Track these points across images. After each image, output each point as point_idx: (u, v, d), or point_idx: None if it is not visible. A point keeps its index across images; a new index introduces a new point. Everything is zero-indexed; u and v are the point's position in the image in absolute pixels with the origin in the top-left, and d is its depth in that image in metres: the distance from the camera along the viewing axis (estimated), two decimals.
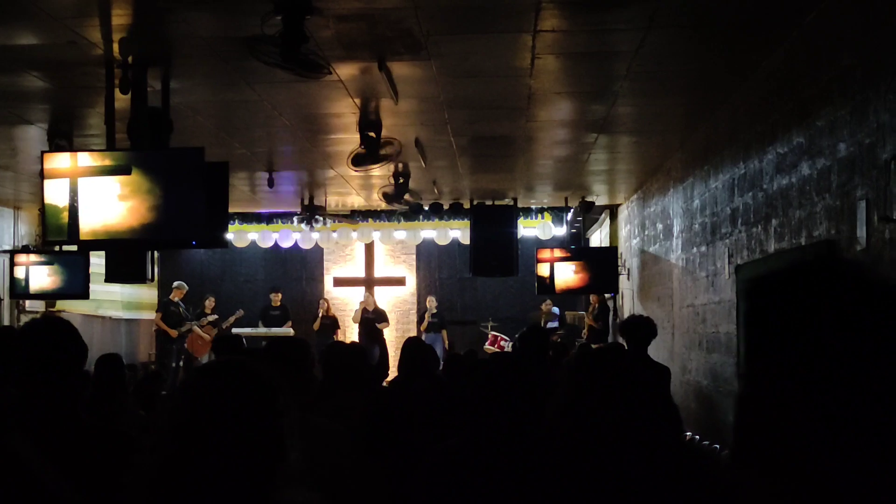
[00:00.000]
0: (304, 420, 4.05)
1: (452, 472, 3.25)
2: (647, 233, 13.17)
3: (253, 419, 2.25)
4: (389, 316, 18.92)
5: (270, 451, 2.26)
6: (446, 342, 17.91)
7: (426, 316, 18.42)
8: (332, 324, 18.49)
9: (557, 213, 16.51)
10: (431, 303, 18.64)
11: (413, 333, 18.65)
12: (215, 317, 17.54)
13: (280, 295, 18.51)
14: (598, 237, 17.73)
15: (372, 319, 18.22)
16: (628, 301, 14.62)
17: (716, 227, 8.91)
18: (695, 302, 9.88)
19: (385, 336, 18.18)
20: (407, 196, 12.54)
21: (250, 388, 2.31)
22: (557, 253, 14.83)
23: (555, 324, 17.49)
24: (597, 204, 15.45)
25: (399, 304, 19.88)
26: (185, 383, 2.37)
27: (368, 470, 4.16)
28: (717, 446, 7.93)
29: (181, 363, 16.87)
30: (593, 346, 14.53)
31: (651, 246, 12.77)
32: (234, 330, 16.65)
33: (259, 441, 2.24)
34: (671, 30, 6.58)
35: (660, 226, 12.08)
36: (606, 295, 16.08)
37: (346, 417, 5.32)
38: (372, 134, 9.22)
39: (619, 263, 15.01)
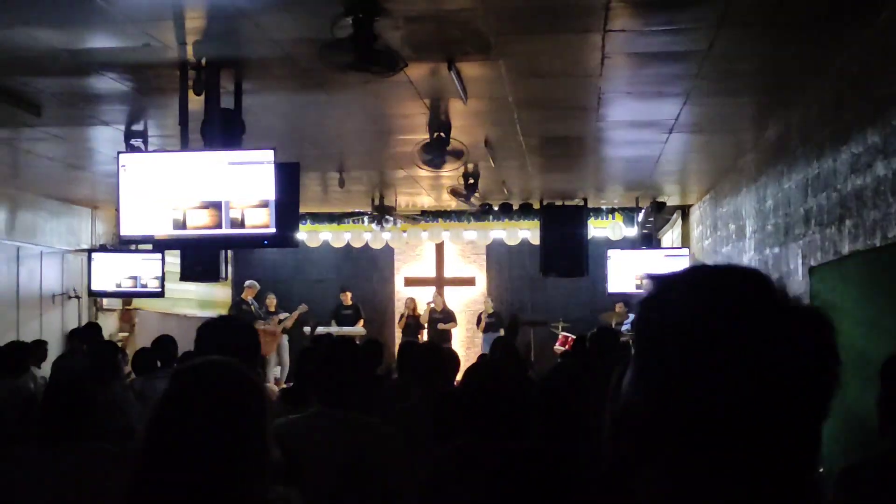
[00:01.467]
0: (351, 419, 4.08)
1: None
2: (719, 233, 13.02)
3: (238, 418, 2.26)
4: (460, 316, 18.93)
5: (256, 449, 2.27)
6: None
7: (482, 317, 18.36)
8: (416, 324, 18.39)
9: (628, 213, 16.38)
10: (488, 304, 18.62)
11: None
12: (286, 314, 17.70)
13: (349, 294, 18.60)
14: (670, 238, 17.56)
15: (439, 320, 18.24)
16: None
17: (789, 227, 8.78)
18: None
19: (453, 336, 18.22)
20: (474, 198, 12.54)
21: (234, 387, 2.32)
22: (629, 254, 14.72)
23: (627, 326, 17.38)
24: (668, 204, 15.31)
25: (470, 305, 19.80)
26: (171, 382, 2.35)
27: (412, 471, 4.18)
28: None
29: None
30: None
31: (724, 247, 12.62)
32: (319, 329, 16.86)
33: (245, 440, 2.25)
34: (742, 28, 6.50)
35: (732, 226, 11.94)
36: None
37: (416, 416, 5.35)
38: (442, 134, 9.25)
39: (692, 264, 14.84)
